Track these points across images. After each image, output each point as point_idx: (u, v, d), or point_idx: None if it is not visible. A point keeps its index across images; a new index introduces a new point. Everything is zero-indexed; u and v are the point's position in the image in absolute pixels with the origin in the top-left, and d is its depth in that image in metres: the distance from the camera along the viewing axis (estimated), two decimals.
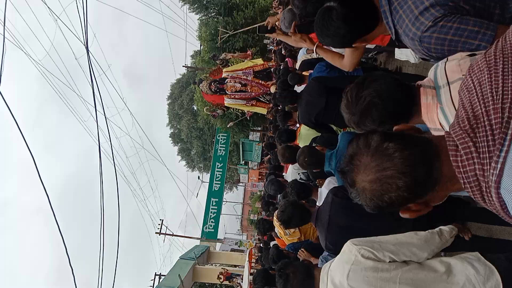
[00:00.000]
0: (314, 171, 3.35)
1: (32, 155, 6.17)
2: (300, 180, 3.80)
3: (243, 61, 10.23)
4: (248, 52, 11.27)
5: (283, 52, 7.65)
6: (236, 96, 9.16)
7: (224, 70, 9.70)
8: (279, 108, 6.99)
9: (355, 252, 1.73)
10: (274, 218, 3.93)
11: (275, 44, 11.60)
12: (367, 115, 1.35)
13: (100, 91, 16.96)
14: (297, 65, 5.55)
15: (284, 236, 4.03)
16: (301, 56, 5.52)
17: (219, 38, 14.13)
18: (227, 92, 9.18)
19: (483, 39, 1.28)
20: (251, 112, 10.94)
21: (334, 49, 3.26)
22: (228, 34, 13.53)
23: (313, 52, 4.07)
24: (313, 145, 3.30)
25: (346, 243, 1.81)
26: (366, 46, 2.80)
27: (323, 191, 2.94)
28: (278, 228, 4.12)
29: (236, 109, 11.52)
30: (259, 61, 9.85)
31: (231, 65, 10.32)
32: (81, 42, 7.86)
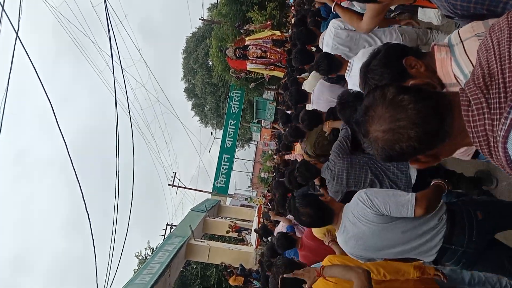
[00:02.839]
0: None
1: (50, 102, 6.16)
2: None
3: (264, 31, 11.43)
4: (268, 23, 12.32)
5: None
6: (257, 62, 10.19)
7: (246, 38, 10.84)
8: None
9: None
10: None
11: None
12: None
13: (117, 41, 16.81)
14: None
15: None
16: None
17: None
18: (249, 57, 10.20)
19: None
20: (270, 75, 11.79)
21: (357, 5, 3.21)
22: None
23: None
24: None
25: None
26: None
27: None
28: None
29: (256, 73, 12.72)
30: (277, 32, 11.05)
31: (253, 34, 11.44)
32: None
